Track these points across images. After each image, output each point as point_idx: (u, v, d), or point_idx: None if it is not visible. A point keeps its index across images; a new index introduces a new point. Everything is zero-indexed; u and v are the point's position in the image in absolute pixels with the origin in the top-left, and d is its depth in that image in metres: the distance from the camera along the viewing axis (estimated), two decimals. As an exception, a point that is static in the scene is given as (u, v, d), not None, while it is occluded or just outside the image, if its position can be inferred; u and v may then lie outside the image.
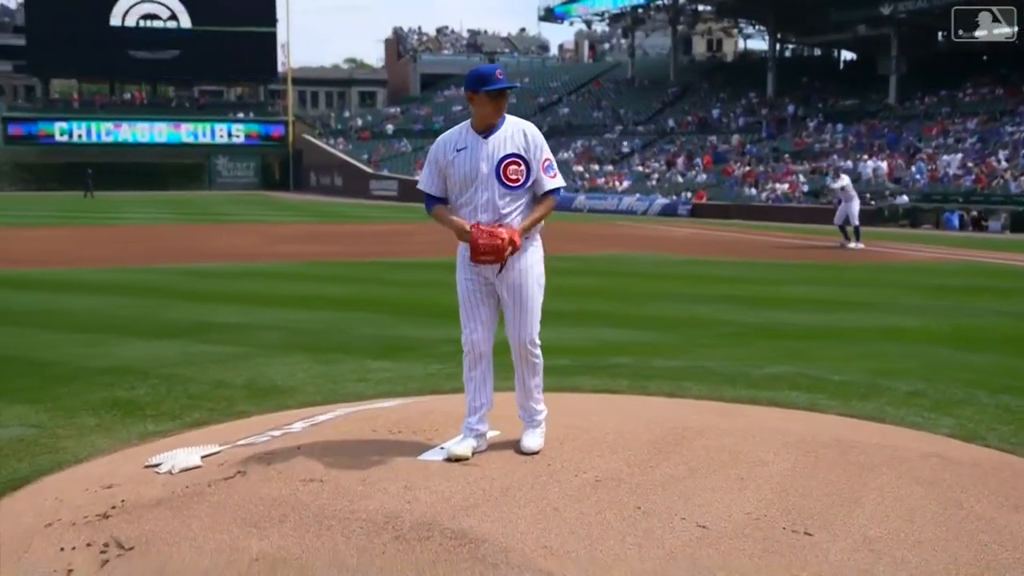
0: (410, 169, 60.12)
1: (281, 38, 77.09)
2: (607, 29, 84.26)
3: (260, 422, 6.08)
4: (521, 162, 4.72)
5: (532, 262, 4.90)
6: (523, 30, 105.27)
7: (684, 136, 54.82)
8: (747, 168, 44.86)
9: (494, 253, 4.67)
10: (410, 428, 5.33)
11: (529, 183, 4.77)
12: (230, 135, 72.71)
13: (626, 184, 47.48)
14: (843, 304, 12.66)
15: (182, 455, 4.98)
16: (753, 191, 41.15)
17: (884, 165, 39.08)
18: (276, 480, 4.50)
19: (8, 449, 5.69)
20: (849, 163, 41.42)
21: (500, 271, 4.77)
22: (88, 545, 4.00)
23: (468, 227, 4.68)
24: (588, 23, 73.34)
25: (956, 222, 32.37)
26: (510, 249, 4.68)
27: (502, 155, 4.71)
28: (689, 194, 42.75)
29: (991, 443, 5.81)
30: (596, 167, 52.90)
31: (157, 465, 4.94)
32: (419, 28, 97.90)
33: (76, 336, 9.79)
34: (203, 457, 4.95)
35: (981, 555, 3.98)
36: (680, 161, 49.17)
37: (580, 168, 53.32)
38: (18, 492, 4.97)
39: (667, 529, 4.07)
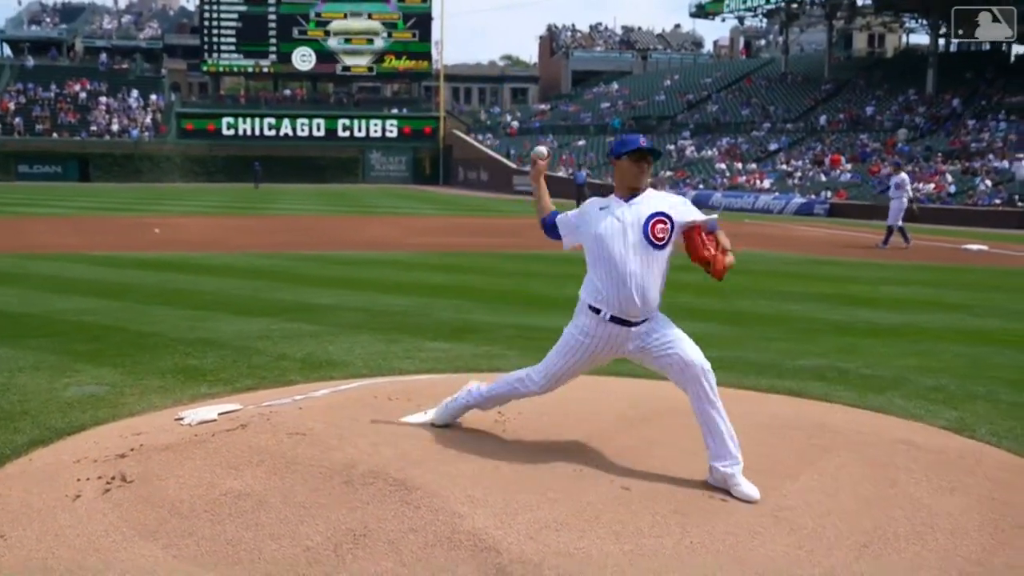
0: (553, 165, 60.90)
1: (435, 36, 78.80)
2: (763, 25, 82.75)
3: (295, 389, 6.76)
4: (667, 220, 4.68)
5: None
6: (678, 26, 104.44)
7: (834, 135, 53.45)
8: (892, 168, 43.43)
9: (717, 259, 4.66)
10: (407, 396, 5.91)
11: (671, 244, 4.73)
12: (384, 130, 75.16)
13: (767, 183, 46.76)
14: (930, 304, 12.51)
15: (203, 411, 5.70)
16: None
17: (1038, 165, 37.23)
18: (268, 433, 5.14)
19: (78, 403, 6.55)
20: (1005, 163, 39.67)
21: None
22: (99, 477, 4.73)
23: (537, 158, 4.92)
24: (740, 19, 72.20)
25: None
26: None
27: (650, 213, 4.67)
28: (828, 193, 41.79)
29: (978, 435, 5.93)
30: (739, 165, 52.25)
31: (182, 418, 5.66)
32: (573, 25, 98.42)
33: (183, 312, 10.80)
34: (220, 413, 5.65)
35: (882, 527, 4.24)
36: (827, 160, 48.01)
37: (723, 166, 52.78)
38: (71, 437, 5.79)
39: (590, 488, 4.50)
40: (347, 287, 13.52)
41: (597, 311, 4.71)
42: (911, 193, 22.01)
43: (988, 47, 64.32)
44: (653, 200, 4.75)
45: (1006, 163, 39.53)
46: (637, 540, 3.98)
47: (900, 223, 21.57)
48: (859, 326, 10.70)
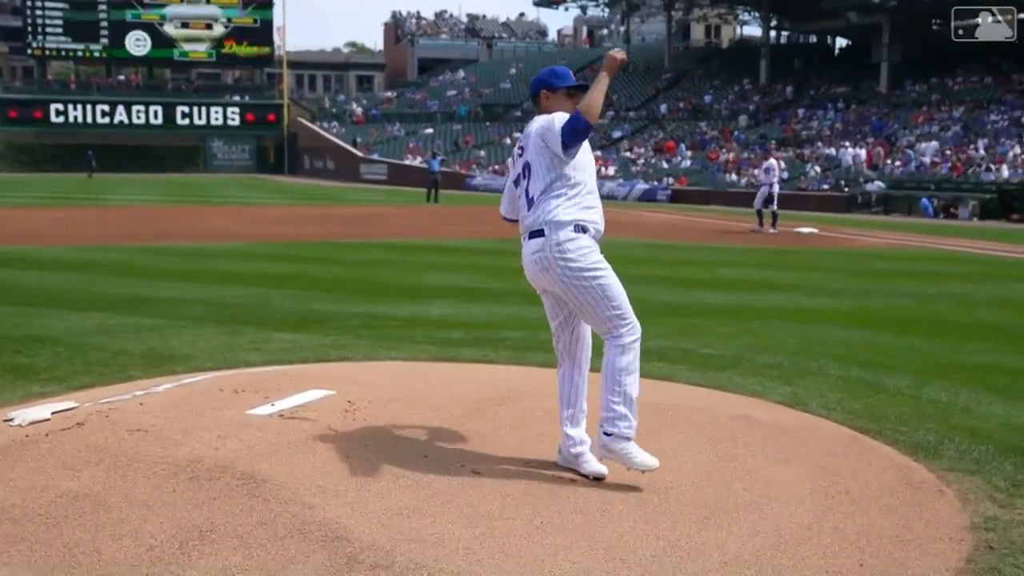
0: (401, 153, 60.53)
1: (277, 21, 77.11)
2: (604, 14, 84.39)
3: (135, 385, 6.51)
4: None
5: None
6: (522, 15, 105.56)
7: (674, 123, 55.10)
8: (731, 154, 45.18)
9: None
10: (254, 388, 5.79)
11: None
12: (225, 117, 73.10)
13: (612, 170, 47.81)
14: (764, 286, 13.06)
15: (35, 410, 5.43)
16: (734, 177, 41.50)
17: (863, 152, 39.39)
18: (106, 430, 4.95)
19: None
20: (832, 150, 41.77)
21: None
22: (-80, 484, 4.44)
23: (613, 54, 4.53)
24: (583, 8, 73.47)
25: (931, 210, 32.69)
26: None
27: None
28: (671, 180, 43.11)
29: (810, 408, 6.23)
30: (585, 152, 53.20)
31: (11, 419, 5.38)
32: (418, 12, 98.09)
33: (6, 308, 10.22)
34: (54, 412, 5.40)
35: (723, 499, 4.41)
36: (675, 147, 49.47)
37: (568, 153, 53.57)
38: None
39: (442, 473, 4.52)
40: (185, 279, 13.10)
41: (584, 229, 4.60)
42: (779, 178, 22.96)
43: (815, 39, 67.60)
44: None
45: (833, 150, 41.62)
46: (488, 523, 4.02)
47: (773, 207, 22.50)
48: (696, 307, 11.07)
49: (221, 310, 10.34)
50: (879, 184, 35.60)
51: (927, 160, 36.97)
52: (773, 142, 45.43)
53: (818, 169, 39.66)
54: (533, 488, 4.42)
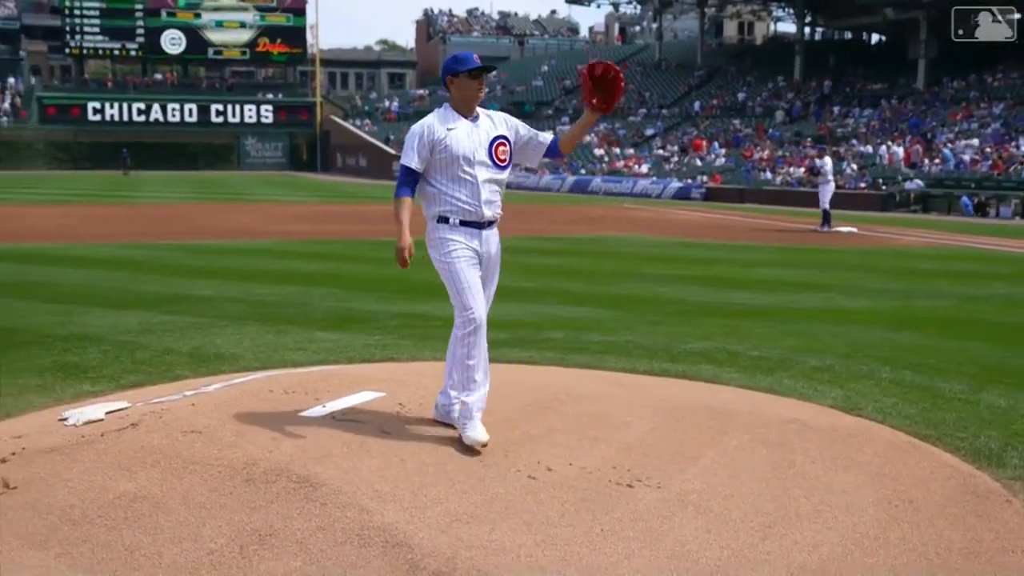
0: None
1: (310, 20, 77.47)
2: (637, 11, 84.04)
3: (184, 385, 6.52)
4: (507, 143, 5.03)
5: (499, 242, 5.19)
6: (554, 12, 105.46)
7: (708, 120, 54.77)
8: (766, 152, 44.84)
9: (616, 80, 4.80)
10: (303, 389, 5.77)
11: (510, 165, 5.07)
12: (259, 115, 73.50)
13: (645, 168, 47.60)
14: (802, 286, 12.93)
15: (89, 410, 5.44)
16: (769, 175, 41.18)
17: (900, 150, 38.95)
18: (160, 431, 4.95)
19: (-51, 405, 6.17)
20: (869, 148, 41.33)
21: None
22: (-21, 484, 4.46)
23: (409, 246, 4.87)
24: (615, 5, 73.16)
25: (972, 208, 32.27)
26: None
27: (494, 136, 4.98)
28: (704, 178, 42.84)
29: (865, 413, 6.13)
30: (617, 150, 53.03)
31: (66, 418, 5.40)
32: (450, 10, 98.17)
33: (49, 306, 10.31)
34: (108, 412, 5.40)
35: (784, 507, 4.35)
36: (703, 144, 49.18)
37: (601, 151, 53.46)
38: (-56, 442, 5.45)
39: (498, 479, 4.48)
40: (223, 277, 13.16)
41: (446, 219, 4.95)
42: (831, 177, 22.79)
43: (849, 36, 66.93)
44: (495, 122, 5.06)
45: (870, 148, 41.18)
46: (548, 530, 3.98)
47: (826, 205, 22.41)
48: (731, 308, 10.96)
49: (261, 309, 10.37)
50: (918, 182, 35.19)
51: (967, 158, 36.49)
52: (809, 139, 45.01)
53: (854, 167, 39.25)
54: (590, 494, 4.37)
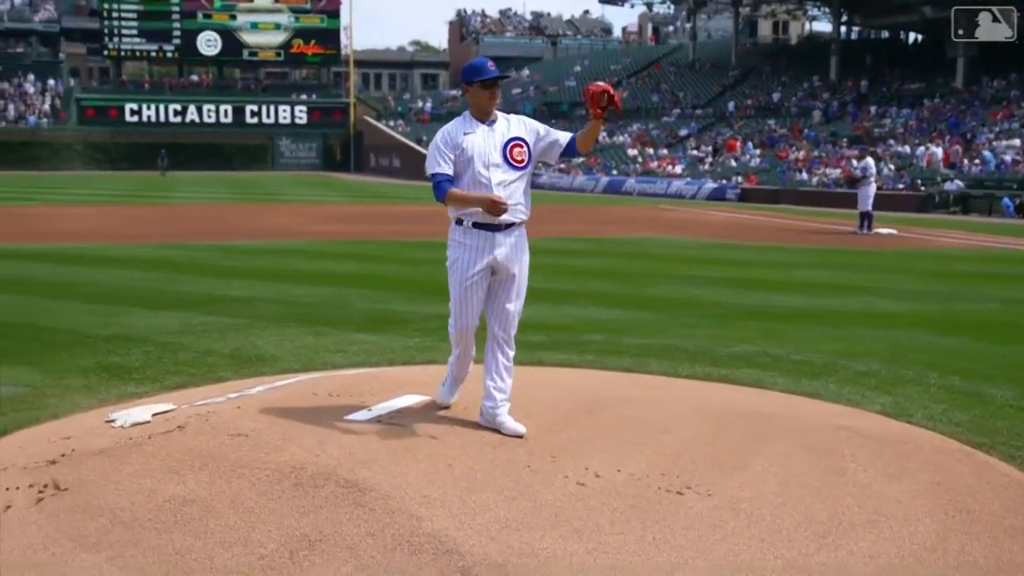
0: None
1: (344, 21, 77.82)
2: (670, 11, 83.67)
3: (228, 387, 6.54)
4: (524, 144, 5.13)
5: (526, 248, 5.26)
6: (587, 12, 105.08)
7: (742, 120, 54.42)
8: (801, 153, 44.47)
9: (605, 92, 4.89)
10: (347, 392, 5.77)
11: (529, 166, 5.16)
12: (293, 116, 73.93)
13: (679, 168, 47.37)
14: (842, 288, 12.78)
15: (136, 412, 5.47)
16: (805, 175, 40.84)
17: (939, 151, 38.48)
18: (207, 434, 4.96)
19: (-3, 405, 6.23)
20: (907, 148, 40.88)
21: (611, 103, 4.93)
22: (30, 486, 4.49)
23: (489, 196, 4.94)
24: (649, 5, 72.88)
25: (1013, 209, 31.81)
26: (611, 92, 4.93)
27: (509, 137, 5.11)
28: (739, 178, 42.56)
29: (915, 420, 6.04)
30: (651, 151, 52.82)
31: (113, 420, 5.43)
32: (483, 11, 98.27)
33: (89, 306, 10.40)
34: (154, 414, 5.43)
35: (837, 516, 4.27)
36: (737, 145, 48.86)
37: (635, 152, 53.26)
38: (-7, 442, 5.49)
39: (546, 485, 4.44)
40: (259, 278, 13.23)
41: (461, 222, 5.12)
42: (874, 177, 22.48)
43: (886, 35, 66.23)
44: (511, 124, 5.17)
45: (907, 148, 40.73)
46: (599, 538, 3.93)
47: (868, 207, 22.06)
48: (771, 311, 10.86)
49: (299, 310, 10.40)
50: (958, 183, 34.74)
51: (1008, 159, 35.98)
52: (845, 140, 44.59)
53: (892, 168, 38.83)
54: (640, 501, 4.32)
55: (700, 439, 5.18)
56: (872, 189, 22.33)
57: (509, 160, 5.07)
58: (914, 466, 4.98)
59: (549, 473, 4.58)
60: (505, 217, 5.01)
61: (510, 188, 5.05)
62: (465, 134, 5.08)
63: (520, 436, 5.01)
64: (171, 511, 4.14)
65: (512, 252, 5.13)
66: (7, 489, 4.48)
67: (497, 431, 5.09)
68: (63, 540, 3.94)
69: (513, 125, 5.17)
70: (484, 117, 5.11)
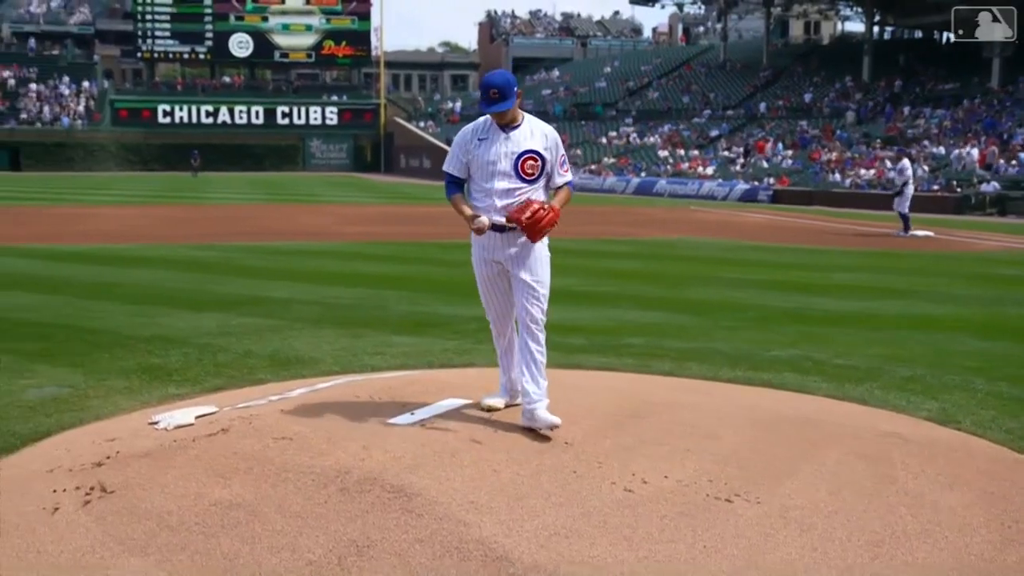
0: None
1: (374, 22, 78.11)
2: (701, 11, 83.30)
3: (268, 389, 6.55)
4: (538, 159, 5.10)
5: (535, 251, 5.22)
6: (617, 13, 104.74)
7: (773, 121, 54.05)
8: (834, 154, 44.10)
9: (534, 216, 4.97)
10: (390, 395, 5.73)
11: (542, 178, 5.16)
12: (323, 117, 74.25)
13: (710, 169, 47.12)
14: (883, 291, 12.64)
15: (179, 414, 5.48)
16: (838, 177, 40.50)
17: (975, 152, 38.03)
18: (252, 437, 4.94)
19: (40, 406, 6.28)
20: (942, 149, 40.45)
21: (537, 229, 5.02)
22: (77, 488, 4.50)
23: (478, 217, 5.08)
24: (680, 5, 72.57)
25: (1052, 211, 31.41)
26: (547, 212, 5.01)
27: (522, 150, 5.07)
28: (772, 180, 42.26)
29: (964, 426, 5.94)
30: (681, 152, 52.59)
31: (157, 422, 5.44)
32: (512, 11, 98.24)
33: (128, 307, 10.47)
34: (197, 416, 5.43)
35: (891, 525, 4.20)
36: (768, 146, 48.55)
37: (665, 153, 53.06)
38: (38, 444, 5.53)
39: (593, 492, 4.39)
40: (295, 279, 13.27)
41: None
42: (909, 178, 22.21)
43: (919, 34, 65.56)
44: (532, 134, 5.11)
45: (942, 149, 40.30)
46: (649, 546, 3.88)
47: (905, 210, 21.81)
48: (811, 314, 10.75)
49: (336, 311, 10.41)
50: (994, 185, 34.32)
51: (1044, 160, 35.53)
52: (878, 141, 44.19)
53: (926, 169, 38.44)
54: (689, 508, 4.26)
55: (747, 445, 5.11)
56: (909, 191, 22.08)
57: (520, 172, 5.07)
58: (967, 474, 4.89)
59: (596, 479, 4.53)
60: (502, 220, 5.06)
61: (515, 197, 5.06)
62: (479, 140, 5.12)
63: (554, 427, 5.00)
64: (217, 515, 4.13)
65: (517, 253, 5.14)
66: (54, 491, 4.49)
67: (537, 432, 5.04)
68: (111, 543, 3.94)
69: (535, 136, 5.12)
70: (502, 123, 5.08)
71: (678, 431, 5.30)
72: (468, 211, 5.16)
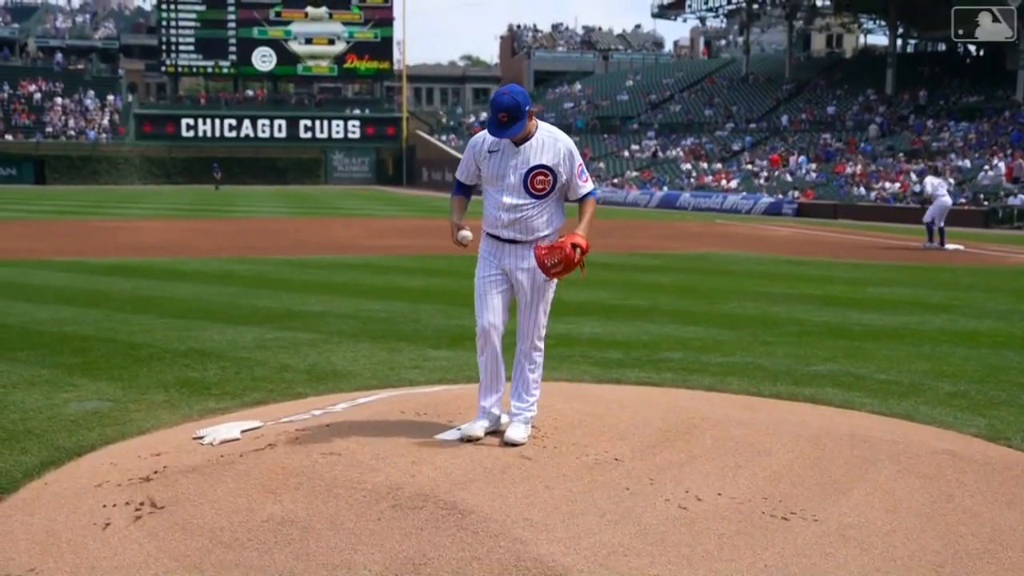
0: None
1: (397, 36, 78.50)
2: (723, 25, 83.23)
3: (309, 403, 6.53)
4: (549, 173, 4.99)
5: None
6: (638, 27, 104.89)
7: (796, 134, 53.86)
8: (858, 167, 43.87)
9: (564, 263, 4.89)
10: (435, 411, 5.70)
11: (554, 192, 5.05)
12: (346, 130, 74.60)
13: (734, 183, 46.97)
14: (921, 306, 12.51)
15: (224, 429, 5.46)
16: (863, 190, 40.27)
17: (1002, 165, 37.74)
18: (299, 452, 4.92)
19: (83, 420, 6.28)
20: (967, 162, 40.18)
21: (583, 273, 4.98)
22: (127, 503, 4.49)
23: (462, 229, 5.20)
24: (702, 19, 72.50)
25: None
26: (578, 253, 4.87)
27: (532, 166, 4.97)
28: (796, 193, 42.08)
29: (1015, 443, 5.85)
30: (704, 165, 52.47)
31: (202, 437, 5.42)
32: (534, 25, 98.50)
33: (166, 321, 10.49)
34: (243, 431, 5.42)
35: (952, 545, 4.12)
36: (791, 160, 48.37)
37: (688, 166, 52.95)
38: (84, 457, 5.53)
39: (648, 508, 4.33)
40: (329, 292, 13.28)
41: (483, 228, 5.22)
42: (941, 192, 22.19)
43: (943, 47, 65.22)
44: (543, 146, 5.01)
45: (967, 162, 40.02)
46: (708, 564, 3.82)
47: (941, 223, 21.94)
48: (851, 329, 10.64)
49: (372, 325, 10.39)
50: (1022, 198, 34.05)
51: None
52: (902, 154, 43.94)
53: (951, 182, 38.17)
54: (745, 526, 4.20)
55: (800, 462, 5.04)
56: (946, 203, 22.07)
57: (529, 188, 4.99)
58: (1024, 493, 4.80)
59: (649, 496, 4.47)
60: (504, 234, 5.08)
61: (523, 212, 5.01)
62: (490, 151, 5.06)
63: (516, 444, 4.95)
64: (270, 531, 4.10)
65: (520, 264, 5.10)
66: (104, 506, 4.48)
67: (586, 449, 4.98)
68: (164, 559, 3.92)
69: (547, 150, 4.99)
70: (515, 138, 4.97)
71: (728, 447, 5.24)
72: (455, 220, 5.25)
